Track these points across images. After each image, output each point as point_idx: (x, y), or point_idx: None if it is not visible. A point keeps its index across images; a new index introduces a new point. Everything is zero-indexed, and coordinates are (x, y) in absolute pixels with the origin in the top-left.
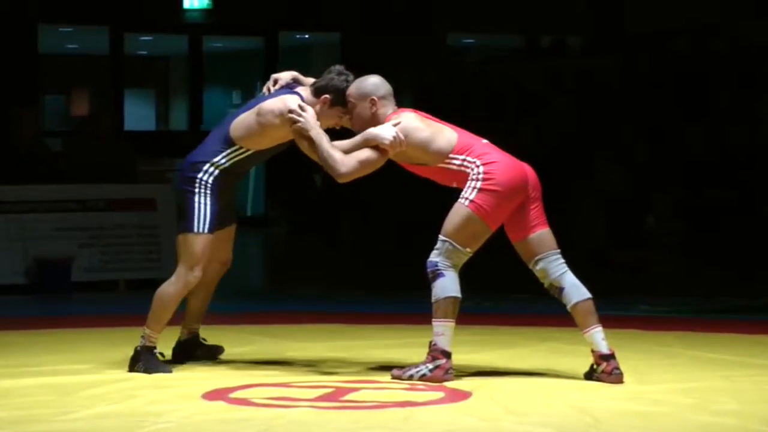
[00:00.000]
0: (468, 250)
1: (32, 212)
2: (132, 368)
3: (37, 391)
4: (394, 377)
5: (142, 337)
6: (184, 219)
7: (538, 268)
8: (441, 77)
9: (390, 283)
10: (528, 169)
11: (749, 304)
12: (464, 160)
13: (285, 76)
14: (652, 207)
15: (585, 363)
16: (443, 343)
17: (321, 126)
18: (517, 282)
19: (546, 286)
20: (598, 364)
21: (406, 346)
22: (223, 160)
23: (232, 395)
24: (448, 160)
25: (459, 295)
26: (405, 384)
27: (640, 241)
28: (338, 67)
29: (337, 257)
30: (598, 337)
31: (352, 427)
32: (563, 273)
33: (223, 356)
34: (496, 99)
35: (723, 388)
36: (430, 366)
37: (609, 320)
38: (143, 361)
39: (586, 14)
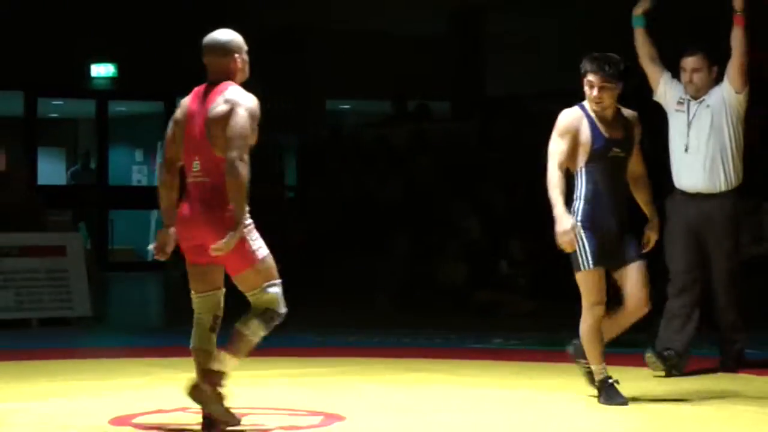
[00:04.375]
0: (193, 292)
1: None
2: (599, 399)
3: None
4: None
5: (590, 373)
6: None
7: None
8: (321, 138)
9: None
10: (189, 221)
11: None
12: None
13: None
14: (506, 253)
15: None
16: None
17: None
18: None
19: None
20: None
21: (286, 375)
22: None
23: (136, 420)
24: None
25: (191, 344)
26: (286, 410)
27: (495, 284)
28: None
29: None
30: None
31: None
32: None
33: (124, 385)
34: (368, 157)
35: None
36: None
37: (469, 352)
38: (603, 394)
39: (450, 82)
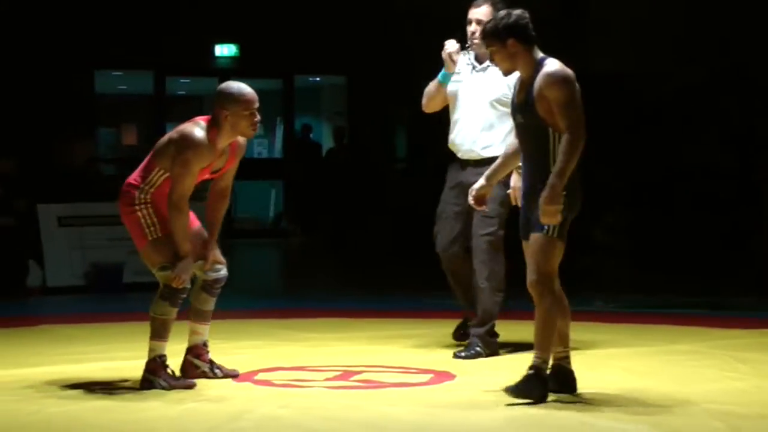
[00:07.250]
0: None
1: (89, 225)
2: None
3: (95, 375)
4: None
5: None
6: None
7: None
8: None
9: (384, 285)
10: None
11: (681, 301)
12: None
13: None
14: (600, 222)
15: None
16: None
17: None
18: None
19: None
20: None
21: (397, 336)
22: None
23: (257, 377)
24: None
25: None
26: (399, 368)
27: (591, 251)
28: None
29: (342, 263)
30: None
31: (356, 404)
32: None
33: (247, 345)
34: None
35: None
36: None
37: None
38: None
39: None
